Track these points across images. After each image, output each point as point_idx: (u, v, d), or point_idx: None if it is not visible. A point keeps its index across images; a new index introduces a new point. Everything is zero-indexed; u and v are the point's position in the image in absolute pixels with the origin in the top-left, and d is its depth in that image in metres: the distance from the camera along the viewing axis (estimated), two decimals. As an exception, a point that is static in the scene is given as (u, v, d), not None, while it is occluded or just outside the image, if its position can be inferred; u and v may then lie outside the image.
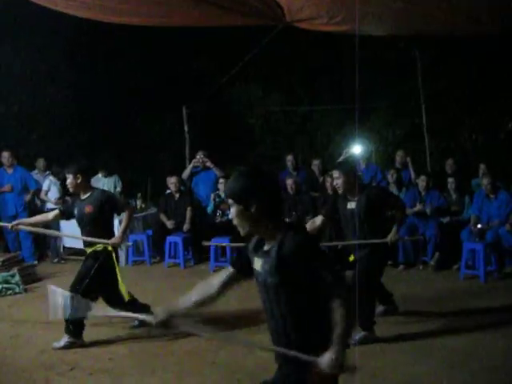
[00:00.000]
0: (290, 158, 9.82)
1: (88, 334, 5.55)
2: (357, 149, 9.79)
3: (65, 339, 5.22)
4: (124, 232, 5.60)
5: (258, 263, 2.47)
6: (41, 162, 10.20)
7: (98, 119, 12.77)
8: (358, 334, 4.99)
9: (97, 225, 5.40)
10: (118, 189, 10.05)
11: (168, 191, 9.61)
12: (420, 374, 4.34)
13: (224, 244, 8.23)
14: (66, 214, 5.66)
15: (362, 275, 4.97)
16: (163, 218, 9.19)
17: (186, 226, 9.01)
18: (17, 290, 7.42)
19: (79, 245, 8.23)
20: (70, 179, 5.40)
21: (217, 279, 2.67)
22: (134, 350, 5.13)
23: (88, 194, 5.44)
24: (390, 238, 5.28)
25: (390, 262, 8.16)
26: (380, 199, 5.27)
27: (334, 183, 5.41)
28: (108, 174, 10.11)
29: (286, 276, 2.34)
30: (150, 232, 9.42)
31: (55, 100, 12.82)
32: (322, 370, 2.29)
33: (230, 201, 2.44)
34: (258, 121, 13.13)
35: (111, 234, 5.50)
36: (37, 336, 5.60)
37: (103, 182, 10.06)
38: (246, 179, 2.42)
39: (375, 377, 4.25)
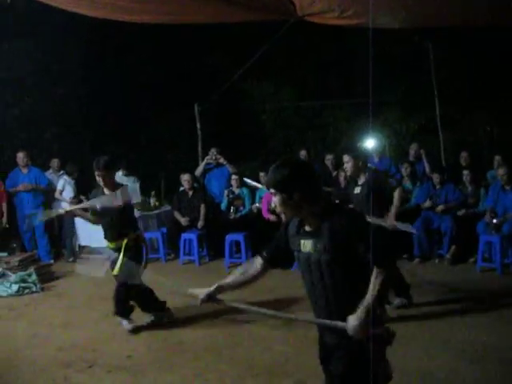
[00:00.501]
0: (303, 152, 9.81)
1: (105, 332, 5.61)
2: (370, 142, 9.76)
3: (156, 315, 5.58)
4: None
5: (305, 244, 2.59)
6: (55, 162, 10.25)
7: (110, 117, 12.80)
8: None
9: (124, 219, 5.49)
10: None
11: (181, 188, 9.63)
12: (437, 367, 4.32)
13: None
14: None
15: None
16: (177, 215, 9.21)
17: (200, 223, 9.02)
18: (34, 288, 7.47)
19: (94, 243, 8.40)
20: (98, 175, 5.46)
21: (251, 266, 2.87)
22: (151, 347, 5.14)
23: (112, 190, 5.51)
24: (388, 222, 5.33)
25: (405, 256, 8.20)
26: (378, 182, 5.44)
27: (344, 167, 5.71)
28: (128, 174, 10.13)
29: (339, 252, 2.47)
30: (164, 229, 9.44)
31: (67, 99, 12.86)
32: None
33: (273, 191, 2.57)
34: (269, 116, 13.10)
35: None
36: (55, 334, 5.64)
37: (122, 181, 10.05)
38: (287, 169, 2.55)
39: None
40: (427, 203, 8.27)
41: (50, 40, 12.06)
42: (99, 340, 5.38)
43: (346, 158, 5.57)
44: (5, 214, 9.25)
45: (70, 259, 9.56)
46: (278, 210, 2.63)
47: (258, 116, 13.15)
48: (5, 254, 8.84)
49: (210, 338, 5.25)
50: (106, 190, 5.53)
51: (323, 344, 2.74)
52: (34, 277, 7.61)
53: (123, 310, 5.58)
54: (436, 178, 8.40)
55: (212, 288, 2.86)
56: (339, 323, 2.47)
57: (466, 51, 10.99)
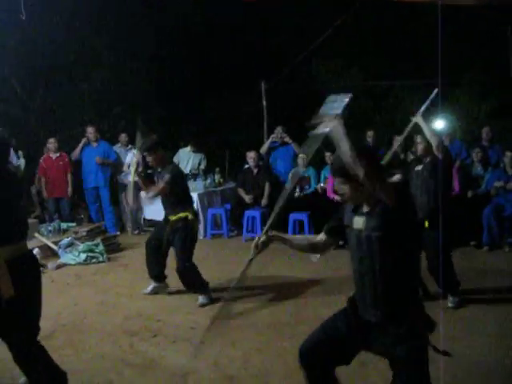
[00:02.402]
0: (370, 133, 9.60)
1: (169, 304, 5.69)
2: (439, 124, 9.44)
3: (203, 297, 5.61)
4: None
5: (358, 222, 2.70)
6: (123, 137, 10.43)
7: (178, 95, 12.92)
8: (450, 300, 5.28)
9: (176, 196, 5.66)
10: (202, 166, 10.12)
11: (246, 166, 9.62)
12: (504, 356, 4.16)
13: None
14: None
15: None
16: (241, 192, 9.23)
17: (263, 201, 9.01)
18: (100, 258, 7.68)
19: (159, 217, 8.52)
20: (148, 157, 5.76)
21: (316, 237, 3.05)
22: (215, 320, 5.18)
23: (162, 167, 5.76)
24: None
25: (473, 243, 7.94)
26: (446, 162, 5.36)
27: (416, 147, 5.63)
28: (196, 150, 10.22)
29: (389, 230, 2.58)
30: (228, 206, 9.49)
31: (137, 75, 13.06)
32: None
33: (340, 179, 2.67)
34: (336, 96, 12.89)
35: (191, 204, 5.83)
36: (121, 303, 5.77)
37: (189, 156, 10.18)
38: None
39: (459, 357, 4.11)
40: (499, 183, 7.95)
41: (122, 17, 12.28)
42: (163, 311, 5.47)
43: (418, 138, 5.51)
44: (70, 185, 9.53)
45: (136, 232, 9.76)
46: (346, 196, 2.71)
47: (325, 96, 12.95)
48: (73, 225, 9.13)
49: (272, 315, 5.24)
50: (159, 168, 5.82)
51: (361, 322, 2.76)
52: (100, 247, 7.81)
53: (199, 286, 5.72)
54: (507, 157, 8.04)
55: (274, 233, 2.96)
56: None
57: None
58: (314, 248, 3.07)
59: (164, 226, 5.80)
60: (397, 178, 5.83)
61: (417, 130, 5.54)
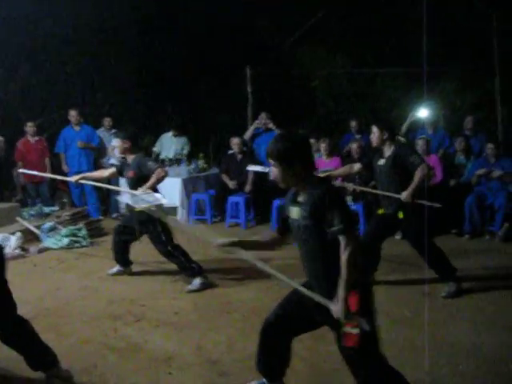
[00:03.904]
0: (353, 123, 9.65)
1: (153, 288, 5.69)
2: (423, 112, 9.49)
3: (195, 282, 5.62)
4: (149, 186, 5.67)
5: (294, 211, 2.91)
6: (107, 121, 10.34)
7: (161, 79, 12.81)
8: (447, 288, 5.30)
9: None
10: (185, 151, 10.09)
11: (230, 151, 9.60)
12: (484, 342, 4.23)
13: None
14: (121, 173, 6.14)
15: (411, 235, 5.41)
16: (225, 178, 9.21)
17: (247, 187, 9.00)
18: (83, 243, 7.64)
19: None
20: (117, 143, 5.99)
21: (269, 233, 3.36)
22: (199, 305, 5.19)
23: (131, 159, 5.91)
24: (403, 195, 5.25)
25: (454, 231, 8.03)
26: (402, 157, 5.32)
27: (370, 137, 5.56)
28: (178, 135, 10.18)
29: (314, 220, 2.77)
30: (212, 192, 9.47)
31: (120, 58, 12.92)
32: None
33: (274, 161, 2.86)
34: (321, 83, 12.86)
35: None
36: (104, 288, 5.76)
37: (172, 141, 10.15)
38: (290, 142, 2.86)
39: (442, 342, 4.17)
40: (481, 171, 8.01)
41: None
42: (147, 295, 5.47)
43: (373, 128, 5.43)
44: (48, 169, 9.47)
45: (114, 215, 9.75)
46: (278, 179, 2.91)
47: (309, 82, 12.93)
48: (56, 209, 9.06)
49: (257, 301, 5.24)
50: (128, 159, 5.95)
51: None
52: (83, 231, 7.78)
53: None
54: (490, 149, 8.12)
55: (235, 239, 3.16)
56: (326, 301, 2.80)
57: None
58: (269, 244, 3.36)
59: (131, 214, 6.07)
60: (357, 167, 5.85)
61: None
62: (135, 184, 5.76)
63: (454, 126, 10.14)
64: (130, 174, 5.86)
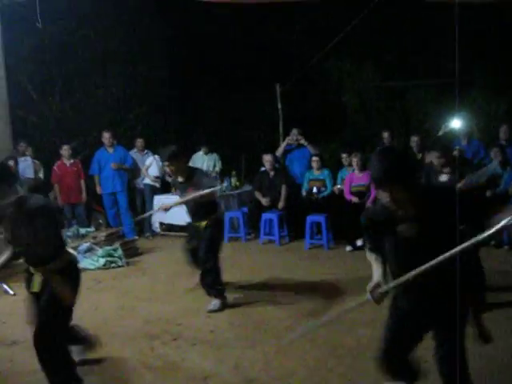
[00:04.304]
0: (386, 134, 9.54)
1: (188, 307, 5.71)
2: (456, 123, 9.37)
3: (216, 302, 5.56)
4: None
5: (402, 227, 2.71)
6: (139, 142, 10.49)
7: (192, 99, 12.97)
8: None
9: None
10: (217, 168, 10.19)
11: (262, 169, 9.62)
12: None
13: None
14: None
15: None
16: (258, 195, 9.22)
17: (281, 204, 9.00)
18: (119, 263, 7.72)
19: (176, 221, 8.69)
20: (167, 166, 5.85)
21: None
22: (234, 323, 5.18)
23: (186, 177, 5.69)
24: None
25: (492, 242, 7.87)
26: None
27: (435, 161, 5.61)
28: (209, 152, 10.28)
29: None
30: (245, 209, 9.50)
31: (150, 80, 13.13)
32: None
33: (385, 186, 2.61)
34: (351, 97, 12.83)
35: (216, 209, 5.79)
36: (141, 307, 5.80)
37: (203, 160, 10.25)
38: (390, 161, 2.62)
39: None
40: None
41: (135, 21, 12.35)
42: (183, 314, 5.48)
43: (435, 154, 5.55)
44: (83, 191, 9.65)
45: (147, 234, 9.86)
46: (390, 203, 2.65)
47: (339, 96, 12.92)
48: (92, 230, 9.18)
49: (292, 318, 5.22)
50: (180, 178, 5.74)
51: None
52: (119, 251, 7.86)
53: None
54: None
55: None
56: None
57: None
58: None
59: (194, 233, 5.86)
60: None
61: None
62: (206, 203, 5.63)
63: (488, 136, 9.99)
64: (191, 190, 5.60)
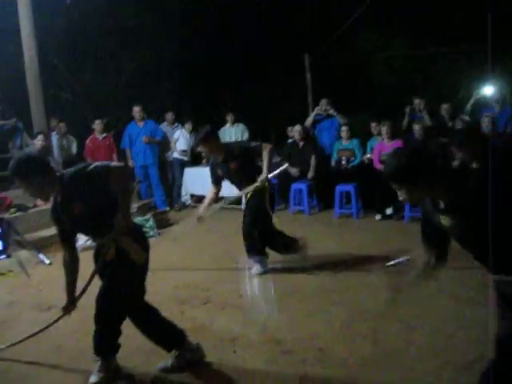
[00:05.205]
0: (417, 101, 9.39)
1: (217, 274, 5.80)
2: (488, 90, 9.19)
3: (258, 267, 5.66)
4: (268, 168, 5.59)
5: (446, 220, 2.54)
6: (169, 115, 10.59)
7: (221, 71, 12.97)
8: None
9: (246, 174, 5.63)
10: (245, 137, 10.23)
11: (291, 139, 9.62)
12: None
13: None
14: (219, 182, 5.88)
15: None
16: (288, 167, 9.21)
17: (310, 174, 9.02)
18: (151, 233, 7.85)
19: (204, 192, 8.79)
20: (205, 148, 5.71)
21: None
22: (262, 289, 5.26)
23: (223, 153, 5.64)
24: None
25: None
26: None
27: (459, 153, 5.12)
28: (235, 122, 10.34)
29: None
30: (274, 180, 9.50)
31: (180, 56, 13.17)
32: None
33: (395, 185, 2.51)
34: (381, 66, 12.68)
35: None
36: (171, 274, 5.93)
37: (230, 132, 10.30)
38: (403, 159, 2.48)
39: None
40: None
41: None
42: (212, 281, 5.60)
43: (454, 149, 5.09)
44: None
45: (176, 206, 10.00)
46: (408, 201, 2.62)
47: (369, 66, 12.78)
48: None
49: (319, 282, 5.28)
50: (219, 158, 5.67)
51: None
52: (151, 222, 8.01)
53: (253, 249, 5.74)
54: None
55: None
56: None
57: None
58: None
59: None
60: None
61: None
62: (242, 174, 5.64)
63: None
64: (233, 165, 5.60)
